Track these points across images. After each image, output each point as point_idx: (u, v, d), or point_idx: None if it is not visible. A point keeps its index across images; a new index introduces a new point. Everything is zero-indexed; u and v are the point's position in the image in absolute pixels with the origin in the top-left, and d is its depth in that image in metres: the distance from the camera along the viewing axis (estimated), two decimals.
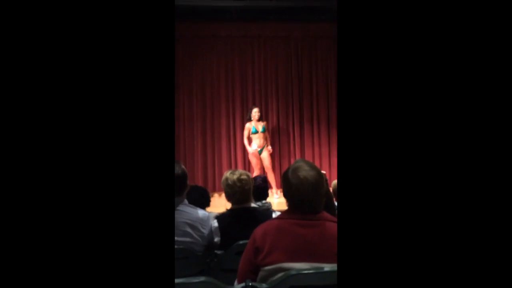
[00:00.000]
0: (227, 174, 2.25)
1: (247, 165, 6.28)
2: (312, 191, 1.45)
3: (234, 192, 2.20)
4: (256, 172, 5.64)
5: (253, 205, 2.36)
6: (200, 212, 2.17)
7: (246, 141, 5.75)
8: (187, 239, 2.05)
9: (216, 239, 2.14)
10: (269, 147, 5.73)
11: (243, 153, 6.26)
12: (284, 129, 6.31)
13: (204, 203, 2.53)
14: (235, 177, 2.21)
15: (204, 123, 6.25)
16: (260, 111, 5.79)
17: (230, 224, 2.16)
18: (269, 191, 3.78)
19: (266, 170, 5.76)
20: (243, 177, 2.20)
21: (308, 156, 6.24)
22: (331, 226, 1.45)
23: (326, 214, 1.50)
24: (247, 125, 5.79)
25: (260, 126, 5.74)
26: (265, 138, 5.62)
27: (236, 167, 6.14)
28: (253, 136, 5.73)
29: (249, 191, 2.20)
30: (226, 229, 2.14)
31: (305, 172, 1.47)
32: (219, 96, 6.23)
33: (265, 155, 5.67)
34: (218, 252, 2.08)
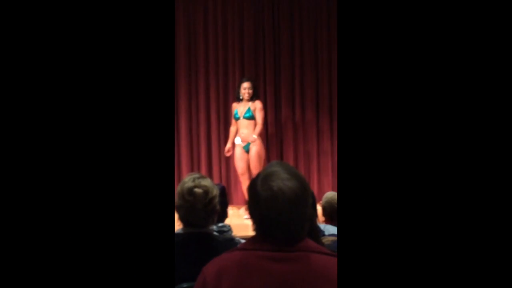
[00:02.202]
0: (185, 179, 2.28)
1: (224, 170, 6.20)
2: (290, 209, 1.44)
3: (181, 206, 2.18)
4: (243, 181, 5.48)
5: (213, 231, 2.34)
6: None
7: (231, 133, 5.60)
8: None
9: None
10: (253, 136, 5.40)
11: (219, 152, 6.20)
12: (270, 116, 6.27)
13: None
14: (187, 185, 2.19)
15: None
16: (255, 86, 5.55)
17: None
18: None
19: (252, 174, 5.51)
20: (197, 190, 2.18)
21: (298, 156, 6.25)
22: (318, 259, 1.46)
23: (310, 243, 1.50)
24: (233, 105, 5.64)
25: (244, 108, 5.48)
26: (253, 129, 5.46)
27: (198, 170, 6.06)
28: (239, 125, 5.49)
29: (202, 211, 2.18)
30: None
31: (281, 181, 1.46)
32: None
33: (253, 152, 5.41)
34: None
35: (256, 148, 5.42)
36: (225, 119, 6.24)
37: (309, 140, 6.34)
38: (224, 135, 6.22)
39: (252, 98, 5.48)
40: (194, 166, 6.16)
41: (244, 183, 5.47)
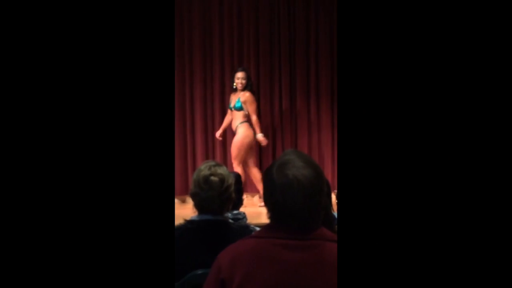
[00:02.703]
0: (201, 166, 2.30)
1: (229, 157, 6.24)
2: (305, 198, 1.44)
3: (197, 194, 2.19)
4: (236, 168, 5.47)
5: (228, 218, 2.35)
6: None
7: (225, 121, 5.66)
8: None
9: None
10: (259, 135, 5.42)
11: (227, 140, 6.19)
12: (267, 105, 6.24)
13: None
14: (203, 173, 2.20)
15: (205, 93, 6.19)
16: (248, 77, 5.51)
17: (186, 243, 2.16)
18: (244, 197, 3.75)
19: (248, 165, 5.58)
20: (213, 178, 2.19)
21: (302, 146, 6.24)
22: (333, 248, 1.46)
23: (325, 231, 1.50)
24: (231, 95, 5.66)
25: (235, 98, 5.50)
26: (243, 118, 5.45)
27: (213, 158, 6.07)
28: (232, 115, 5.52)
29: (218, 199, 2.19)
30: (181, 251, 2.14)
31: (296, 169, 1.46)
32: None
33: (235, 139, 5.45)
34: None
35: (238, 136, 5.40)
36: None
37: (323, 130, 6.31)
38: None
39: (245, 88, 5.44)
40: (209, 154, 6.17)
41: (237, 169, 5.46)
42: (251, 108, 5.41)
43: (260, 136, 5.45)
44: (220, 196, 2.20)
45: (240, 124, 5.42)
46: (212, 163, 2.30)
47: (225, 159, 6.07)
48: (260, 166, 6.17)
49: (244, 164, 5.54)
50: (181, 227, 2.22)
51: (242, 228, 2.31)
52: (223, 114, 6.05)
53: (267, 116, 6.23)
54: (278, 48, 6.23)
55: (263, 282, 1.43)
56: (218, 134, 5.72)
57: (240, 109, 5.43)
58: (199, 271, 2.01)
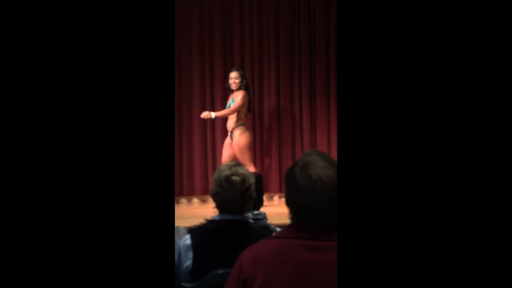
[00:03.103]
0: (221, 166, 2.30)
1: (258, 158, 6.22)
2: (329, 198, 1.43)
3: (218, 194, 2.19)
4: (252, 170, 5.52)
5: (249, 218, 2.35)
6: None
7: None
8: None
9: (187, 264, 2.15)
10: (211, 114, 5.30)
11: (254, 140, 6.18)
12: (287, 106, 6.23)
13: None
14: (224, 173, 2.20)
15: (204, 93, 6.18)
16: (242, 76, 5.48)
17: (208, 242, 2.17)
18: None
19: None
20: (234, 178, 2.19)
21: (321, 146, 6.21)
22: None
23: None
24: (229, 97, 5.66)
25: (230, 98, 5.48)
26: (240, 120, 5.41)
27: (213, 160, 6.08)
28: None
29: (239, 199, 2.19)
30: (202, 250, 2.14)
31: (319, 170, 1.45)
32: (191, 56, 6.17)
33: (234, 143, 5.37)
34: (187, 285, 2.08)
35: (236, 139, 5.36)
36: (260, 107, 6.23)
37: (324, 131, 6.31)
38: (260, 123, 6.22)
39: (240, 88, 5.42)
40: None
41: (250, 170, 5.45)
42: (236, 104, 5.35)
43: (206, 113, 5.35)
44: (242, 196, 2.20)
45: (237, 127, 5.38)
46: (233, 163, 2.30)
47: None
48: (279, 167, 6.18)
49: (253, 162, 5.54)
50: (202, 226, 2.22)
51: (262, 228, 2.31)
52: (251, 116, 6.05)
53: (287, 115, 6.22)
54: (298, 47, 6.22)
55: (285, 282, 1.42)
56: (212, 113, 5.49)
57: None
58: (220, 271, 2.01)
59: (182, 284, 2.08)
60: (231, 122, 5.44)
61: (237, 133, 5.38)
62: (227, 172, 2.22)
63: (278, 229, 2.11)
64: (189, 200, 6.07)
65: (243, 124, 5.40)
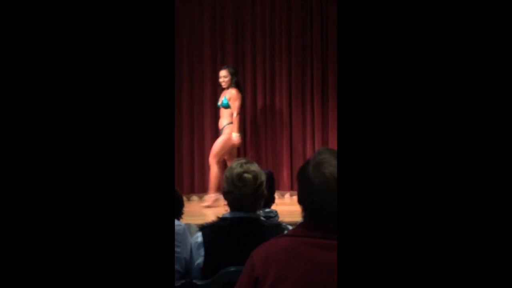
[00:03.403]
0: (233, 163, 2.29)
1: (270, 157, 6.21)
2: None
3: (230, 192, 2.18)
4: (214, 166, 5.47)
5: (260, 216, 2.34)
6: (175, 224, 2.15)
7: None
8: None
9: (198, 261, 2.14)
10: (233, 135, 5.36)
11: (265, 139, 6.22)
12: (298, 104, 6.21)
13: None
14: (236, 171, 2.19)
15: (180, 92, 6.16)
16: (232, 74, 5.46)
17: (219, 240, 2.17)
18: None
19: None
20: (246, 175, 2.18)
21: (333, 144, 6.18)
22: None
23: None
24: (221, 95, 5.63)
25: (222, 96, 5.51)
26: (230, 117, 5.41)
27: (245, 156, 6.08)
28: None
29: (251, 196, 2.18)
30: (214, 248, 2.14)
31: (333, 168, 1.45)
32: (202, 53, 6.18)
33: (219, 139, 5.44)
34: (199, 282, 2.08)
35: (224, 136, 5.40)
36: (271, 105, 6.22)
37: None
38: (271, 121, 6.21)
39: (231, 86, 5.42)
40: (240, 152, 6.17)
41: (212, 168, 5.47)
42: (233, 105, 5.38)
43: (234, 136, 5.39)
44: (253, 193, 2.19)
45: (228, 125, 5.41)
46: (243, 160, 2.29)
47: (259, 159, 6.07)
48: (291, 165, 6.16)
49: (221, 163, 5.52)
50: (213, 224, 2.22)
51: (274, 226, 2.30)
52: (263, 114, 6.05)
53: (299, 113, 6.21)
54: (310, 45, 6.20)
55: (297, 281, 1.41)
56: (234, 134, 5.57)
57: (226, 106, 5.42)
58: (231, 268, 2.02)
59: (194, 281, 2.08)
60: (223, 120, 5.46)
61: (227, 131, 5.42)
62: (238, 169, 2.21)
63: (290, 227, 2.10)
64: (200, 198, 6.07)
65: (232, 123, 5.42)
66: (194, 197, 6.10)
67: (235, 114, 5.38)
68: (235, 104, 5.38)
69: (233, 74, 5.46)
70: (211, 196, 5.42)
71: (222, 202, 5.45)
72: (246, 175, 2.19)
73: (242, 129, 6.00)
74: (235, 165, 2.24)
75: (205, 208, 5.41)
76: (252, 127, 6.27)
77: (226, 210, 2.30)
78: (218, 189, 5.36)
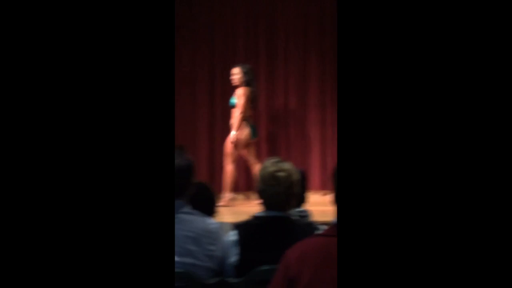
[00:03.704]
0: (266, 162, 2.28)
1: (301, 156, 6.19)
2: None
3: (264, 191, 2.19)
4: (228, 166, 5.44)
5: (293, 215, 2.34)
6: (209, 222, 2.18)
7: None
8: (188, 260, 2.07)
9: (233, 259, 2.16)
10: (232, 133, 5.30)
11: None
12: (331, 104, 6.18)
13: (208, 209, 2.51)
14: (270, 169, 2.19)
15: (212, 91, 6.18)
16: (245, 72, 5.35)
17: (253, 239, 2.18)
18: None
19: (250, 163, 5.54)
20: (280, 174, 2.18)
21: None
22: None
23: None
24: None
25: (233, 96, 5.45)
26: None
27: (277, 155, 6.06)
28: None
29: (284, 195, 2.18)
30: (247, 246, 2.16)
31: None
32: (232, 47, 6.19)
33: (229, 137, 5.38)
34: (233, 280, 2.09)
35: (231, 135, 5.35)
36: (303, 104, 6.20)
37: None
38: (303, 119, 6.19)
39: (241, 85, 5.34)
40: (272, 151, 6.16)
41: (225, 167, 5.44)
42: (238, 102, 5.32)
43: (231, 135, 5.33)
44: (287, 192, 2.18)
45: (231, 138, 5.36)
46: (276, 159, 2.28)
47: (289, 157, 6.06)
48: (322, 164, 6.13)
49: (236, 162, 5.49)
50: (247, 222, 2.23)
51: (306, 225, 2.30)
52: (294, 113, 6.02)
53: (332, 113, 6.18)
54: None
55: (331, 280, 1.41)
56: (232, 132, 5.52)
57: (234, 106, 5.36)
58: (265, 267, 2.01)
59: (228, 279, 2.09)
60: (232, 119, 5.42)
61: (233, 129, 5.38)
62: (272, 168, 2.20)
63: (322, 227, 2.10)
64: (248, 196, 6.07)
65: (244, 120, 5.37)
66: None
67: (238, 112, 5.33)
68: (240, 101, 5.32)
69: (245, 73, 5.37)
70: (226, 196, 5.41)
71: (238, 201, 5.61)
72: (279, 173, 2.18)
73: (277, 129, 6.00)
74: (269, 164, 2.24)
75: (221, 207, 5.42)
76: (283, 126, 6.26)
77: (260, 209, 2.30)
78: (233, 189, 5.43)
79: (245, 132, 5.38)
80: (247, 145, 5.44)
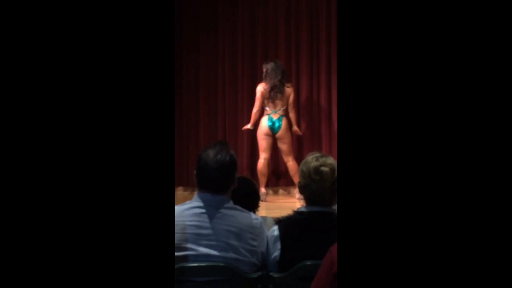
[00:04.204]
0: (308, 157, 2.26)
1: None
2: None
3: (307, 186, 2.17)
4: (261, 161, 5.45)
5: (336, 210, 2.31)
6: (252, 217, 2.18)
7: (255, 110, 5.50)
8: (231, 255, 2.07)
9: (275, 255, 2.15)
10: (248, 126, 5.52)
11: (329, 132, 6.12)
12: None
13: (250, 204, 2.51)
14: (313, 164, 2.17)
15: (254, 86, 6.20)
16: (272, 68, 5.34)
17: (295, 234, 2.17)
18: None
19: (283, 157, 5.51)
20: (323, 168, 2.15)
21: None
22: None
23: None
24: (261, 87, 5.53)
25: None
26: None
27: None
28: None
29: (328, 190, 2.16)
30: (290, 241, 2.15)
31: None
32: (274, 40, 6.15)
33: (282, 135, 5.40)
34: (275, 275, 2.09)
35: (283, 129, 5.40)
36: (328, 97, 6.14)
37: None
38: (329, 120, 6.13)
39: (263, 80, 5.38)
40: (314, 146, 6.13)
41: (262, 161, 5.48)
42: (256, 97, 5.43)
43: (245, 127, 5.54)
44: (331, 187, 2.16)
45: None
46: (318, 154, 2.26)
47: (331, 153, 6.01)
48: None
49: (268, 158, 5.50)
50: (290, 218, 2.22)
51: None
52: (319, 109, 6.02)
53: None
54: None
55: None
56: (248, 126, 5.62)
57: None
58: (308, 262, 2.01)
59: (270, 273, 2.09)
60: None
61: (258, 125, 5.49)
62: (315, 163, 2.18)
63: None
64: (275, 192, 6.08)
65: (266, 115, 5.41)
66: (269, 191, 6.11)
67: (254, 109, 5.43)
68: (256, 96, 5.42)
69: (272, 70, 5.35)
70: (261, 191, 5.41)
71: (269, 197, 5.63)
72: (323, 168, 2.15)
73: (318, 124, 5.97)
74: (311, 159, 2.22)
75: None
76: (327, 121, 6.20)
77: (301, 204, 2.28)
78: (266, 184, 5.49)
79: (263, 125, 5.40)
80: (264, 137, 5.41)
